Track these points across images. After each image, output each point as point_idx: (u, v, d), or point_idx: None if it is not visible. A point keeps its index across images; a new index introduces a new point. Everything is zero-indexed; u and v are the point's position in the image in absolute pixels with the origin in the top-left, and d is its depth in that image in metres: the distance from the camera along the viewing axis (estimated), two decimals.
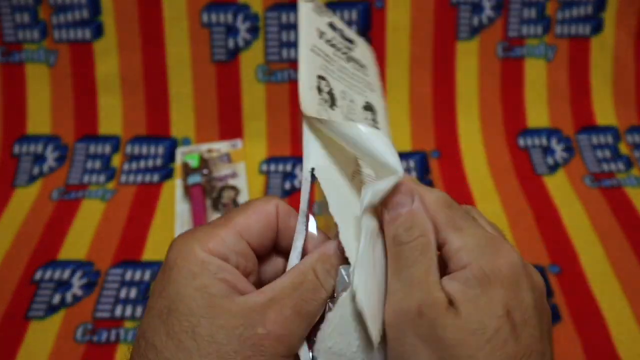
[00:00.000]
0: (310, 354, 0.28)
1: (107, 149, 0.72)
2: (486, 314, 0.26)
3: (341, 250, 0.29)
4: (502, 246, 0.28)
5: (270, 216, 0.30)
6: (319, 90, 0.33)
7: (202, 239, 0.28)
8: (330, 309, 0.29)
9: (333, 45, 0.39)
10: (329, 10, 0.41)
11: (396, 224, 0.29)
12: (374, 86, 0.40)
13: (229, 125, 0.73)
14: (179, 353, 0.25)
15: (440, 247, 0.29)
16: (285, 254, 0.32)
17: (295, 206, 0.32)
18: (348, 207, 0.31)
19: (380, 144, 0.30)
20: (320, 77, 0.34)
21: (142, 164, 0.71)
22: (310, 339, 0.29)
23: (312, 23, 0.38)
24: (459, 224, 0.29)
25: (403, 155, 0.71)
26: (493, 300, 0.27)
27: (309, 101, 0.32)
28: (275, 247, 0.31)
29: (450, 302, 0.27)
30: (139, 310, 0.55)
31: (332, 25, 0.41)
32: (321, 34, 0.38)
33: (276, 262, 0.32)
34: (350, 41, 0.42)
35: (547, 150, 0.71)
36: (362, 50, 0.44)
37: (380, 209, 0.30)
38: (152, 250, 0.60)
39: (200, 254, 0.27)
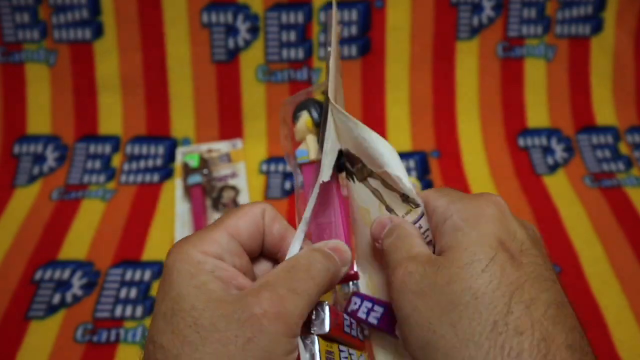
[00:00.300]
0: (307, 355, 0.28)
1: (107, 149, 0.72)
2: (478, 246, 0.27)
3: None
4: (485, 194, 0.30)
5: (258, 219, 0.31)
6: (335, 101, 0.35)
7: (196, 242, 0.29)
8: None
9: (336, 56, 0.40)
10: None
11: (384, 237, 0.32)
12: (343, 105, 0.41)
13: (229, 125, 0.73)
14: (184, 347, 0.26)
15: (432, 215, 0.31)
16: (271, 258, 0.33)
17: (295, 206, 0.32)
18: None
19: (398, 162, 0.32)
20: (336, 89, 0.36)
21: (142, 164, 0.71)
22: (307, 335, 0.29)
23: (335, 30, 0.39)
24: (446, 192, 0.31)
25: (403, 155, 0.71)
26: (483, 234, 0.27)
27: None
28: (262, 252, 0.33)
29: (441, 254, 0.28)
30: (139, 310, 0.55)
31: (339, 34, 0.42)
32: (339, 44, 0.39)
33: (265, 265, 0.33)
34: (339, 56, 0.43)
35: (547, 150, 0.71)
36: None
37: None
38: (152, 250, 0.60)
39: (197, 256, 0.28)
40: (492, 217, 0.28)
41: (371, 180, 0.34)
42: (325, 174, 0.33)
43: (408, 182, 0.32)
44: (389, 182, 0.33)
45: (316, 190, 0.32)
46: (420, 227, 0.32)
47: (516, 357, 0.25)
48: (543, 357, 0.25)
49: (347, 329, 0.32)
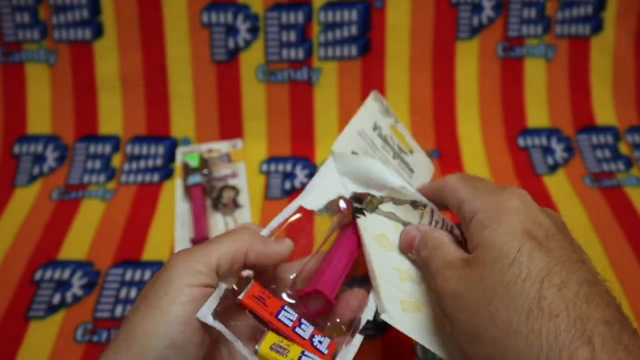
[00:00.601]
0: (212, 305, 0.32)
1: (107, 149, 0.72)
2: (504, 240, 0.29)
3: None
4: (508, 187, 0.32)
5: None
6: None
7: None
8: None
9: (385, 141, 0.45)
10: (394, 115, 0.48)
11: (417, 248, 0.35)
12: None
13: (229, 125, 0.73)
14: (136, 302, 0.32)
15: (460, 207, 0.33)
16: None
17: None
18: None
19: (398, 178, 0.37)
20: (354, 153, 0.41)
21: (142, 164, 0.71)
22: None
23: (372, 117, 0.45)
24: (472, 184, 0.33)
25: None
26: (508, 228, 0.29)
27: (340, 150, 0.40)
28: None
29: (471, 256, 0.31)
30: None
31: (394, 127, 0.47)
32: (375, 127, 0.45)
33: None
34: (411, 151, 0.48)
35: (547, 150, 0.71)
36: (419, 159, 0.49)
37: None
38: (152, 250, 0.60)
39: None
40: (515, 209, 0.30)
41: (383, 206, 0.38)
42: (306, 201, 0.37)
43: (410, 188, 0.36)
44: (397, 198, 0.37)
45: (288, 208, 0.37)
46: (437, 223, 0.36)
47: (555, 340, 0.26)
48: (580, 335, 0.26)
49: (285, 320, 0.33)
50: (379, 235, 0.38)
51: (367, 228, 0.38)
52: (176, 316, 0.30)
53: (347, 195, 0.39)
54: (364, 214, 0.38)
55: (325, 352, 0.34)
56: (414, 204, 0.36)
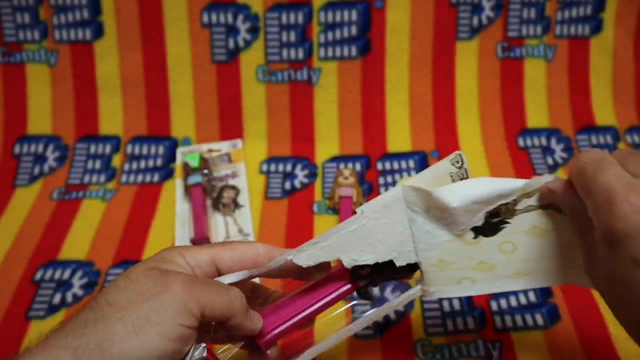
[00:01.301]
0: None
1: (108, 149, 0.72)
2: (620, 272, 0.32)
3: None
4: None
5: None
6: None
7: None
8: None
9: None
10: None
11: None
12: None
13: (229, 125, 0.73)
14: (110, 289, 0.34)
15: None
16: None
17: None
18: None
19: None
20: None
21: (142, 164, 0.71)
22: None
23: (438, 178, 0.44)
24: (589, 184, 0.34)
25: (403, 155, 0.71)
26: (621, 254, 0.31)
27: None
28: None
29: None
30: None
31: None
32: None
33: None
34: None
35: (547, 150, 0.72)
36: None
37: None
38: (152, 250, 0.60)
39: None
40: (625, 236, 0.30)
41: (519, 205, 0.39)
42: (298, 257, 0.38)
43: (533, 180, 0.37)
44: (526, 193, 0.38)
45: (281, 259, 0.38)
46: None
47: None
48: None
49: None
50: (532, 229, 0.39)
51: (515, 230, 0.40)
52: (158, 349, 0.31)
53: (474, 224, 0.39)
54: (507, 222, 0.39)
55: None
56: (527, 195, 0.38)
